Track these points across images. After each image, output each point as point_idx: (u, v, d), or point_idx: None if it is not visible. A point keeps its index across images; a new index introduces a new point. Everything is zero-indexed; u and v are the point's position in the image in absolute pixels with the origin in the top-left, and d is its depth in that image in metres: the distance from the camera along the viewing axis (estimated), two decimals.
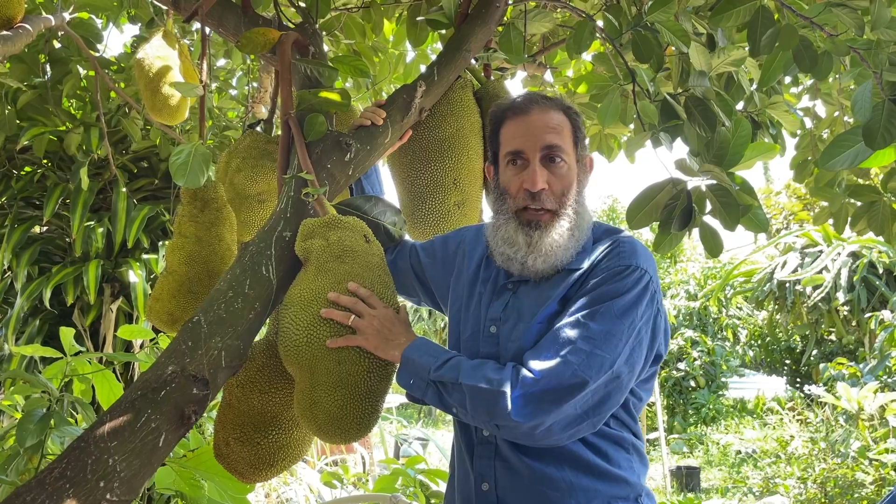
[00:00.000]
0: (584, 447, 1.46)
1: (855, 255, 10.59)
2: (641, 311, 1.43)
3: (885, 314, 8.68)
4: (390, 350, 1.49)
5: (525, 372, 1.38)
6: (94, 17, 3.67)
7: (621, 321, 1.40)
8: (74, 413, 2.45)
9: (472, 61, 2.23)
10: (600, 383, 1.37)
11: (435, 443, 5.86)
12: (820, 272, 10.55)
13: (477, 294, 1.63)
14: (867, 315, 9.77)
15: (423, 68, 2.51)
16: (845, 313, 10.46)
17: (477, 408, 1.39)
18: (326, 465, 5.49)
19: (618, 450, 1.49)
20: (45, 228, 4.01)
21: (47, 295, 3.55)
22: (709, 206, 2.04)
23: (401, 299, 1.73)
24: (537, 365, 1.37)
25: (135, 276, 3.63)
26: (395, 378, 1.53)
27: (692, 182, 2.06)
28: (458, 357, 1.47)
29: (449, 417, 1.57)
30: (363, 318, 1.49)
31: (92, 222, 3.76)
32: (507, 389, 1.35)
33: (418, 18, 2.57)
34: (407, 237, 1.93)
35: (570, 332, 1.39)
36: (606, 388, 1.38)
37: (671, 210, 2.06)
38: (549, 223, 1.52)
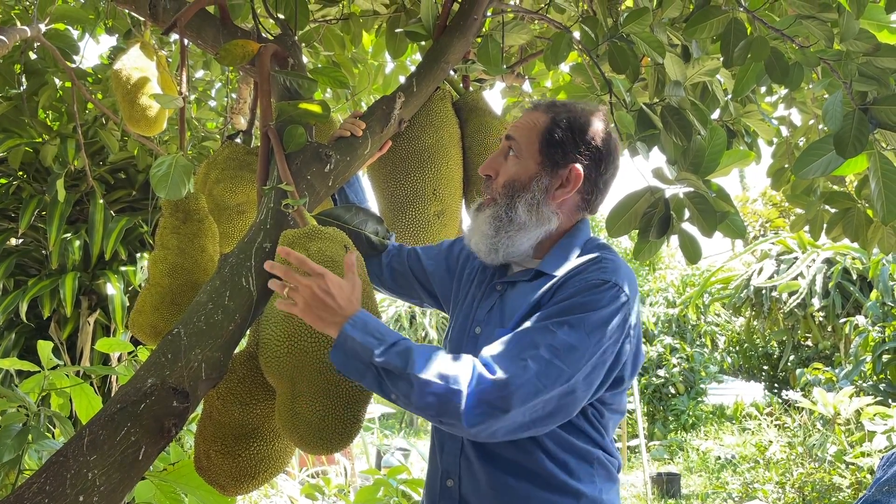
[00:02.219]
0: (549, 460, 1.43)
1: (829, 262, 10.71)
2: (611, 331, 1.37)
3: (860, 319, 8.79)
4: (324, 326, 1.39)
5: (482, 369, 1.31)
6: (70, 28, 3.65)
7: (589, 337, 1.34)
8: (52, 427, 2.43)
9: (451, 72, 2.25)
10: (554, 395, 1.32)
11: (418, 452, 5.85)
12: (795, 279, 10.66)
13: (471, 295, 1.65)
14: (842, 320, 9.89)
15: (402, 80, 2.53)
16: (821, 319, 10.57)
17: (425, 402, 1.31)
18: (308, 476, 5.45)
19: (581, 463, 1.46)
20: (20, 241, 3.97)
21: (24, 308, 3.51)
22: (687, 214, 2.07)
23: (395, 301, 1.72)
24: (495, 363, 1.32)
25: (112, 288, 3.60)
26: (331, 357, 1.40)
27: (670, 190, 2.08)
28: (405, 341, 1.37)
29: (430, 426, 1.52)
30: (297, 290, 1.39)
31: (69, 234, 3.72)
32: (462, 388, 1.29)
33: (397, 30, 2.59)
34: (393, 241, 1.94)
35: (536, 337, 1.34)
36: (559, 402, 1.33)
37: (650, 218, 2.08)
38: (485, 208, 1.59)
